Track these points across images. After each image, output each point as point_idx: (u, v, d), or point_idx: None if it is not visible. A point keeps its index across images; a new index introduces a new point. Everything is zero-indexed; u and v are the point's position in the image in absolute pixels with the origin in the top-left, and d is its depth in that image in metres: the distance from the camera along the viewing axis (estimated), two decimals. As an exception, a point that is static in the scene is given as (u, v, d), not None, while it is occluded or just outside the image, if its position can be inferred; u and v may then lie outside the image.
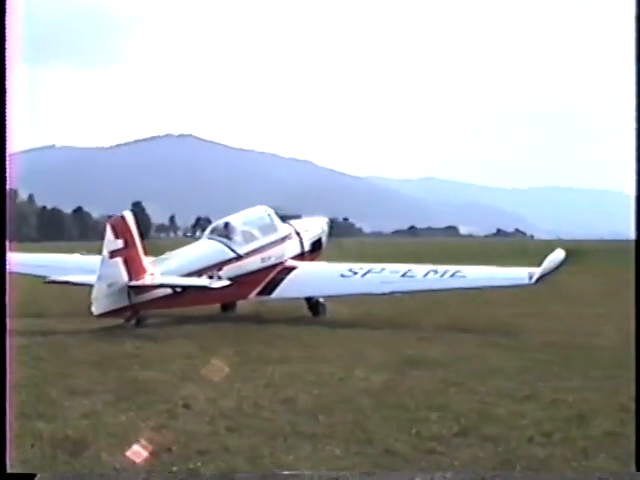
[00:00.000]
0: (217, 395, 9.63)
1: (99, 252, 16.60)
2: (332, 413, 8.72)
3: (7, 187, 6.42)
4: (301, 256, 20.13)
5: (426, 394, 9.72)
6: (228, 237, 18.77)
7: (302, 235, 20.49)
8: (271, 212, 20.12)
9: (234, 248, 18.58)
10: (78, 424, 8.21)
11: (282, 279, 18.83)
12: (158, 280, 16.72)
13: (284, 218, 20.56)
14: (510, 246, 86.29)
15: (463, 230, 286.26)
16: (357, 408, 9.00)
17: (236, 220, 19.44)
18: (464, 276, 17.50)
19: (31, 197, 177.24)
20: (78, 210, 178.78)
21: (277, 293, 18.57)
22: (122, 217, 16.59)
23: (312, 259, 20.48)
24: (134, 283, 16.20)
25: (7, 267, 6.52)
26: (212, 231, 19.38)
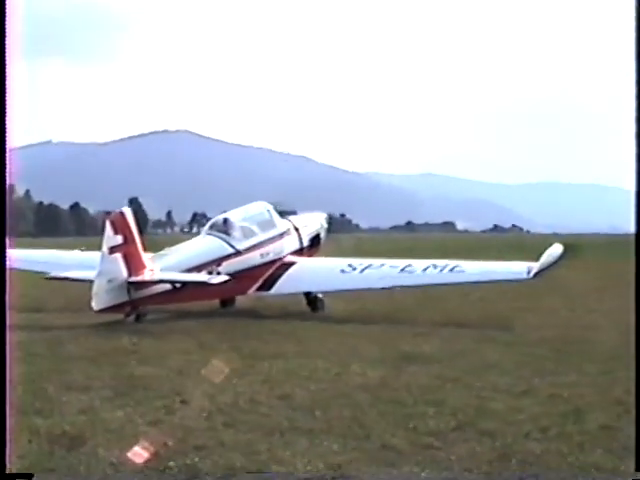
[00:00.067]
0: (215, 391, 9.64)
1: (98, 248, 16.65)
2: (329, 408, 8.74)
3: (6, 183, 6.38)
4: (300, 252, 20.17)
5: (423, 389, 9.73)
6: (227, 233, 18.81)
7: (301, 231, 20.53)
8: (270, 208, 20.18)
9: (233, 244, 18.62)
10: (75, 420, 8.22)
11: (281, 275, 18.87)
12: (157, 276, 16.77)
13: (283, 214, 20.63)
14: (507, 241, 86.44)
15: (460, 225, 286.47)
16: (354, 403, 9.02)
17: (235, 216, 19.50)
18: (463, 271, 17.53)
19: (28, 193, 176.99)
20: (75, 206, 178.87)
21: (276, 289, 18.62)
22: (121, 213, 16.63)
23: (311, 255, 20.53)
24: (134, 279, 16.25)
25: (7, 263, 6.49)
26: (211, 227, 19.42)
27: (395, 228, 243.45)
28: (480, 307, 19.71)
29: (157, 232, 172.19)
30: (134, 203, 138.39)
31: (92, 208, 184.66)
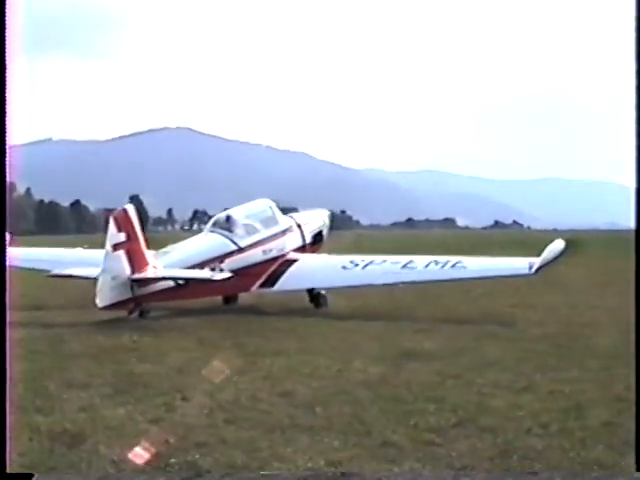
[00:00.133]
0: (215, 388, 9.63)
1: (99, 245, 16.66)
2: (330, 405, 8.73)
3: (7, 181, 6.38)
4: (302, 248, 20.18)
5: (423, 386, 9.71)
6: (230, 230, 18.82)
7: (303, 228, 20.53)
8: (273, 205, 20.19)
9: (236, 241, 18.63)
10: (76, 417, 8.22)
11: (284, 271, 18.88)
12: (160, 273, 16.78)
13: (285, 211, 20.64)
14: (507, 237, 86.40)
15: (461, 222, 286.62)
16: (355, 400, 9.01)
17: (238, 213, 19.52)
18: (465, 267, 17.49)
19: (28, 191, 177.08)
20: (75, 203, 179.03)
21: (279, 285, 18.63)
22: (124, 210, 16.63)
23: (313, 251, 20.53)
24: (137, 276, 16.26)
25: (8, 261, 6.48)
26: (214, 224, 19.43)
27: (396, 225, 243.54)
28: (481, 303, 19.69)
29: (158, 230, 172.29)
30: (135, 201, 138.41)
31: (93, 206, 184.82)
